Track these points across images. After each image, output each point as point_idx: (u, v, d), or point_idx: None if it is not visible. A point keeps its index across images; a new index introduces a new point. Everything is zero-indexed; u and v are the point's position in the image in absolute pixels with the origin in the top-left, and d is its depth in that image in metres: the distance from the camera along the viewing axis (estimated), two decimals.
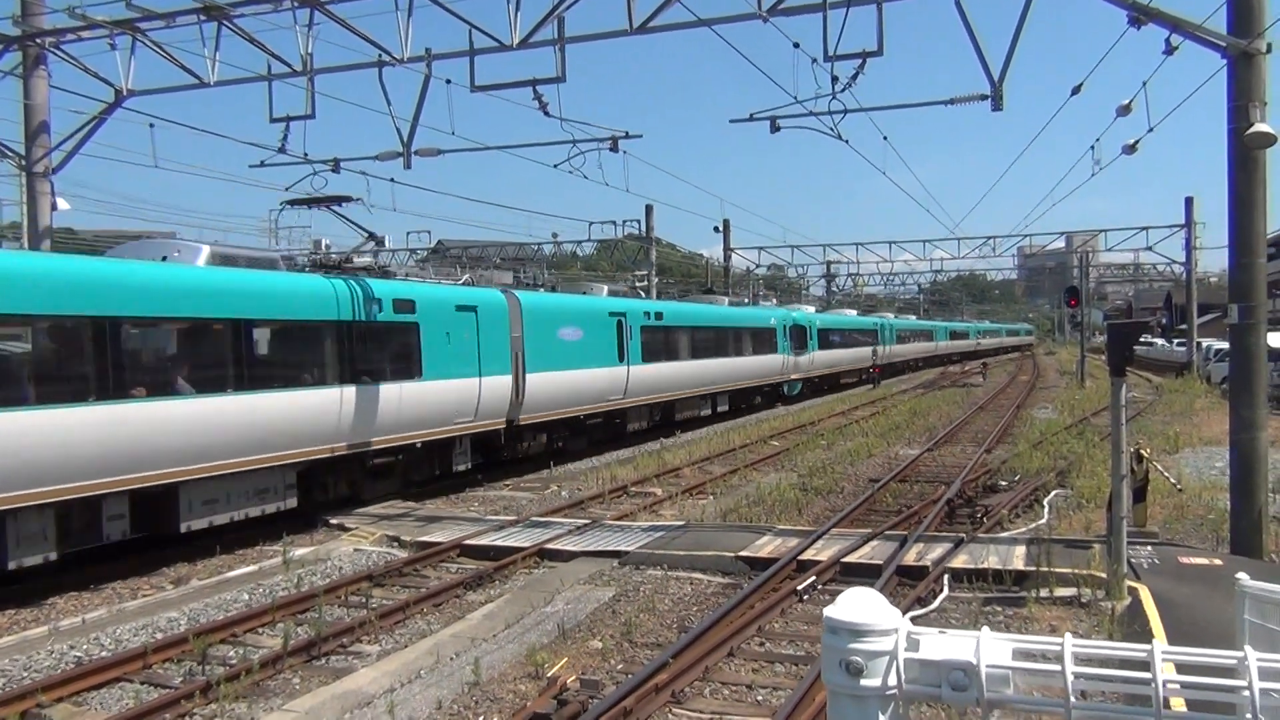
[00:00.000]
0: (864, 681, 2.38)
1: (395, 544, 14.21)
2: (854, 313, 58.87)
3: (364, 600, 11.36)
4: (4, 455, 10.69)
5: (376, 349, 16.40)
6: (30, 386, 11.17)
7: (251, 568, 12.89)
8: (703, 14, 14.12)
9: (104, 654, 9.53)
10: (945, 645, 2.40)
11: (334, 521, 15.44)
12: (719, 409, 32.41)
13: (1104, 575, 10.39)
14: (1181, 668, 2.32)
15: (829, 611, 2.44)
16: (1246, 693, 2.22)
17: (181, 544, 13.64)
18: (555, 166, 18.91)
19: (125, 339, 12.30)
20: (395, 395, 16.50)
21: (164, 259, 14.16)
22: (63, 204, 19.19)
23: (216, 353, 13.75)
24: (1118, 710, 2.41)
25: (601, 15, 15.76)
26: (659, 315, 27.31)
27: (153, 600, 11.52)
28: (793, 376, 40.09)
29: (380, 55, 15.67)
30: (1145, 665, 2.25)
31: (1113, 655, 2.40)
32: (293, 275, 15.80)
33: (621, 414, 25.62)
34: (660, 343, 27.01)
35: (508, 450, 20.81)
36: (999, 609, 10.30)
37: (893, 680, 2.39)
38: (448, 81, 16.18)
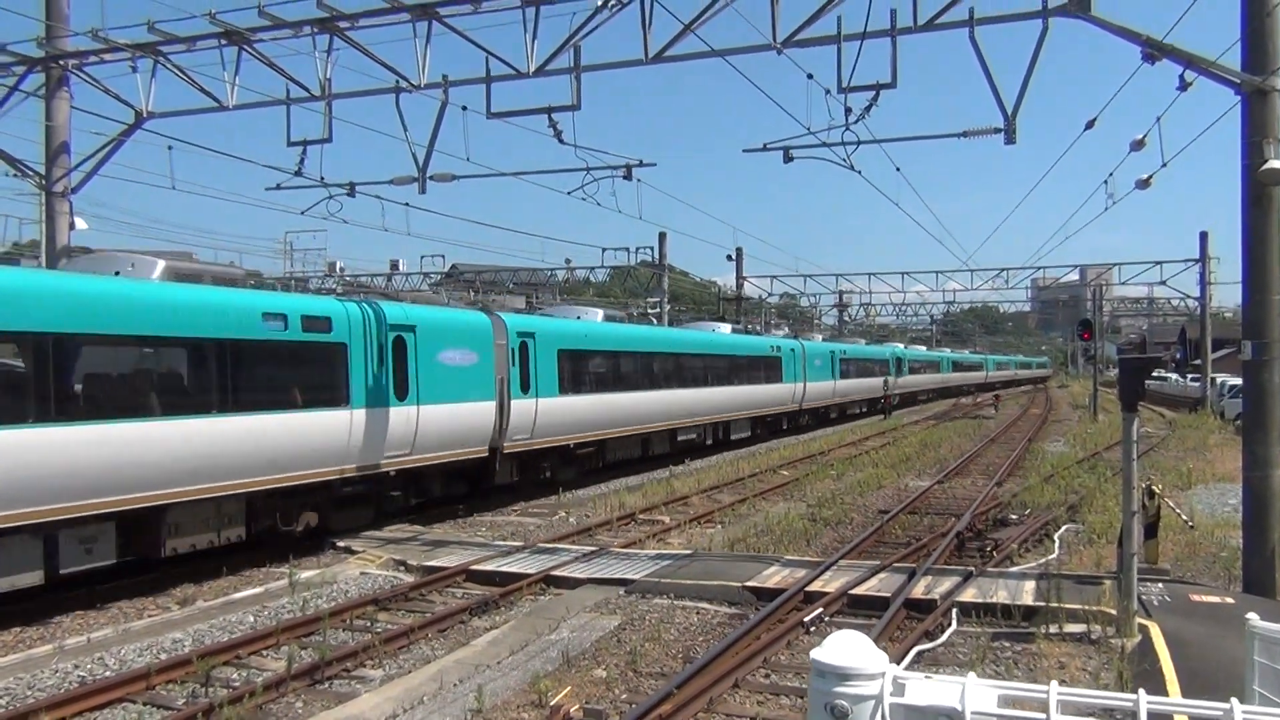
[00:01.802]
0: None
1: (402, 568, 14.18)
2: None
3: (369, 624, 11.34)
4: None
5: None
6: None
7: (257, 589, 12.88)
8: (717, 45, 14.23)
9: (108, 674, 9.52)
10: (931, 691, 2.38)
11: (341, 544, 15.43)
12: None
13: (1114, 612, 10.28)
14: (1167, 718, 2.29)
15: (815, 654, 2.44)
16: None
17: (172, 564, 13.53)
18: (569, 193, 19.03)
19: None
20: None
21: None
22: (81, 224, 19.38)
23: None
24: None
25: (617, 44, 16.02)
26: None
27: (158, 620, 11.51)
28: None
29: (398, 81, 15.84)
30: (1132, 715, 2.22)
31: (1098, 704, 2.39)
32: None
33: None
34: (588, 371, 23.02)
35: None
36: (1007, 644, 10.20)
37: None
38: (464, 108, 16.31)
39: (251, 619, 11.54)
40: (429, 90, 15.82)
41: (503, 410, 19.16)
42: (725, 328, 35.89)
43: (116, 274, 13.52)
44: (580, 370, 22.51)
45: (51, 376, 11.34)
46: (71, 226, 18.08)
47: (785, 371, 36.64)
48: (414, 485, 17.72)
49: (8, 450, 10.74)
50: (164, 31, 15.43)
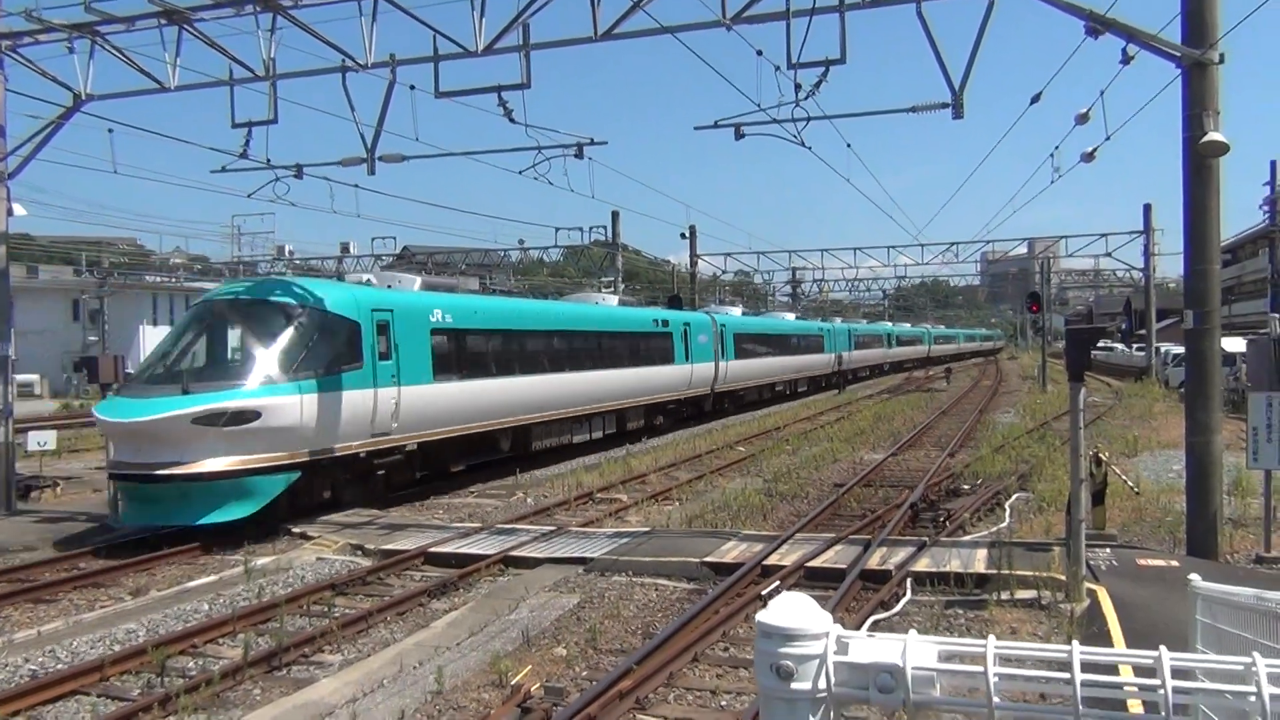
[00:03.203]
0: (794, 685, 2.42)
1: (359, 552, 14.09)
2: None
3: (326, 609, 11.27)
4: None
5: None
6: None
7: (212, 577, 12.74)
8: (667, 21, 14.19)
9: (60, 667, 9.36)
10: (873, 648, 2.45)
11: (296, 530, 15.28)
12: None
13: (1063, 577, 10.51)
14: (1102, 667, 2.37)
15: (761, 616, 2.48)
16: (1161, 691, 2.26)
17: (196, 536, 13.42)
18: (520, 173, 18.91)
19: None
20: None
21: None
22: (19, 209, 18.93)
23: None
24: (1039, 710, 2.46)
25: (566, 22, 15.79)
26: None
27: (110, 611, 11.34)
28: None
29: (344, 60, 15.59)
30: (1065, 666, 2.29)
31: (1034, 656, 2.46)
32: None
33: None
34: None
35: None
36: (960, 612, 10.39)
37: (822, 684, 2.43)
38: (412, 87, 16.14)
39: (207, 607, 11.41)
40: (376, 70, 15.60)
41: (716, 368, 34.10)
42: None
43: (388, 287, 19.16)
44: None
45: (448, 349, 19.15)
46: (9, 213, 17.62)
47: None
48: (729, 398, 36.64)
49: (451, 392, 18.92)
50: (101, 11, 15.01)
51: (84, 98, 17.17)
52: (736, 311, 42.17)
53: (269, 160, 17.74)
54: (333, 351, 15.96)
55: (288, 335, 15.52)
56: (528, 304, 27.95)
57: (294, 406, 15.07)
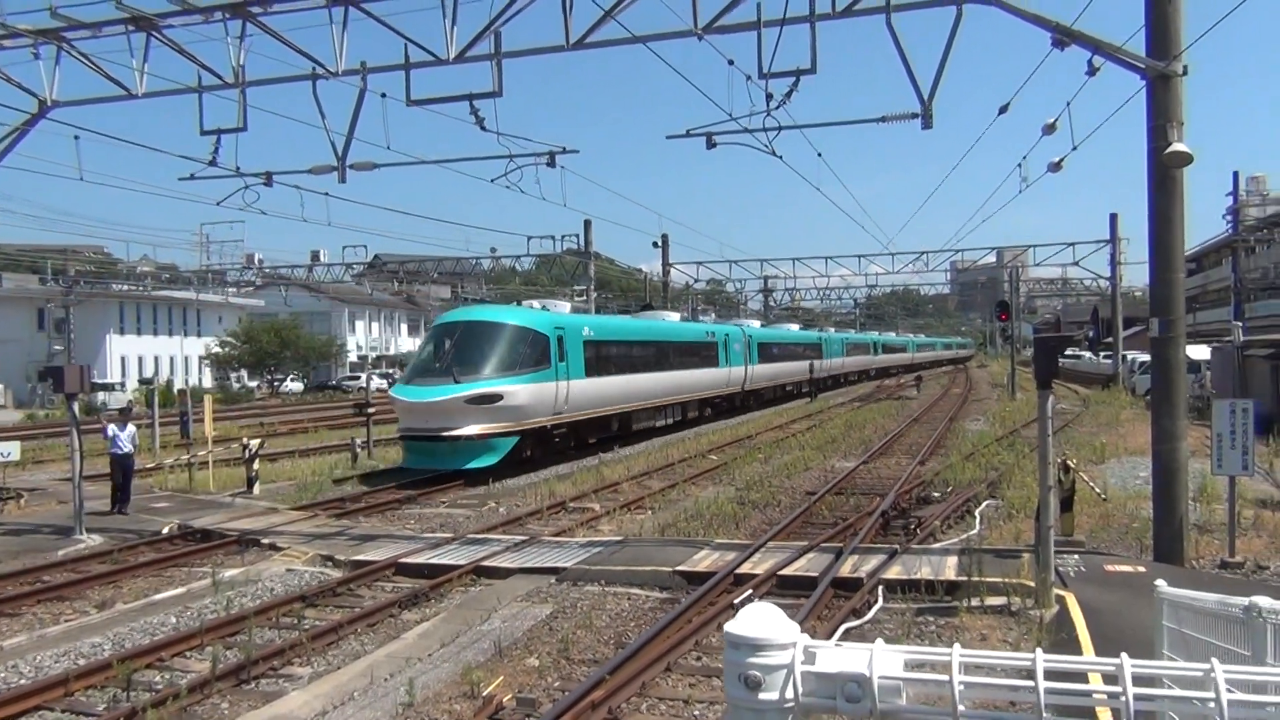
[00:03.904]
0: (762, 695, 2.43)
1: (329, 563, 13.98)
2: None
3: (296, 621, 11.15)
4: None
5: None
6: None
7: (179, 590, 12.59)
8: (639, 31, 14.20)
9: (23, 682, 9.22)
10: (840, 658, 2.46)
11: (265, 541, 15.14)
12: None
13: (1033, 584, 10.59)
14: (1066, 675, 2.42)
15: (729, 627, 2.51)
16: (1124, 698, 2.29)
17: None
18: (492, 181, 18.84)
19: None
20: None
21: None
22: None
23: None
24: (1004, 718, 2.49)
25: (538, 31, 15.77)
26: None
27: (75, 625, 11.18)
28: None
29: (314, 68, 15.48)
30: (1030, 674, 2.31)
31: (999, 664, 2.49)
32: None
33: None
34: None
35: None
36: (931, 619, 10.44)
37: (790, 693, 2.43)
38: (383, 95, 16.02)
39: (174, 620, 11.27)
40: (347, 77, 15.50)
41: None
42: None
43: (544, 307, 27.18)
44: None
45: (593, 356, 26.30)
46: None
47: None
48: (753, 396, 43.12)
49: (593, 387, 26.13)
50: (67, 17, 14.83)
51: (49, 104, 16.94)
52: (757, 324, 49.13)
53: (238, 168, 17.57)
54: (536, 356, 23.56)
55: (512, 345, 23.21)
56: (634, 321, 34.88)
57: (520, 392, 22.70)
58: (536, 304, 27.70)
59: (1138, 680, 2.31)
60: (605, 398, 27.33)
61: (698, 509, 17.18)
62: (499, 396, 21.92)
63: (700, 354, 35.87)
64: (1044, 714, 2.26)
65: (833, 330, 68.48)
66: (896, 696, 2.39)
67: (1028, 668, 2.33)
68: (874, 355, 77.30)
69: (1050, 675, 2.30)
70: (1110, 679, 2.34)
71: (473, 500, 19.59)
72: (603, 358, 27.24)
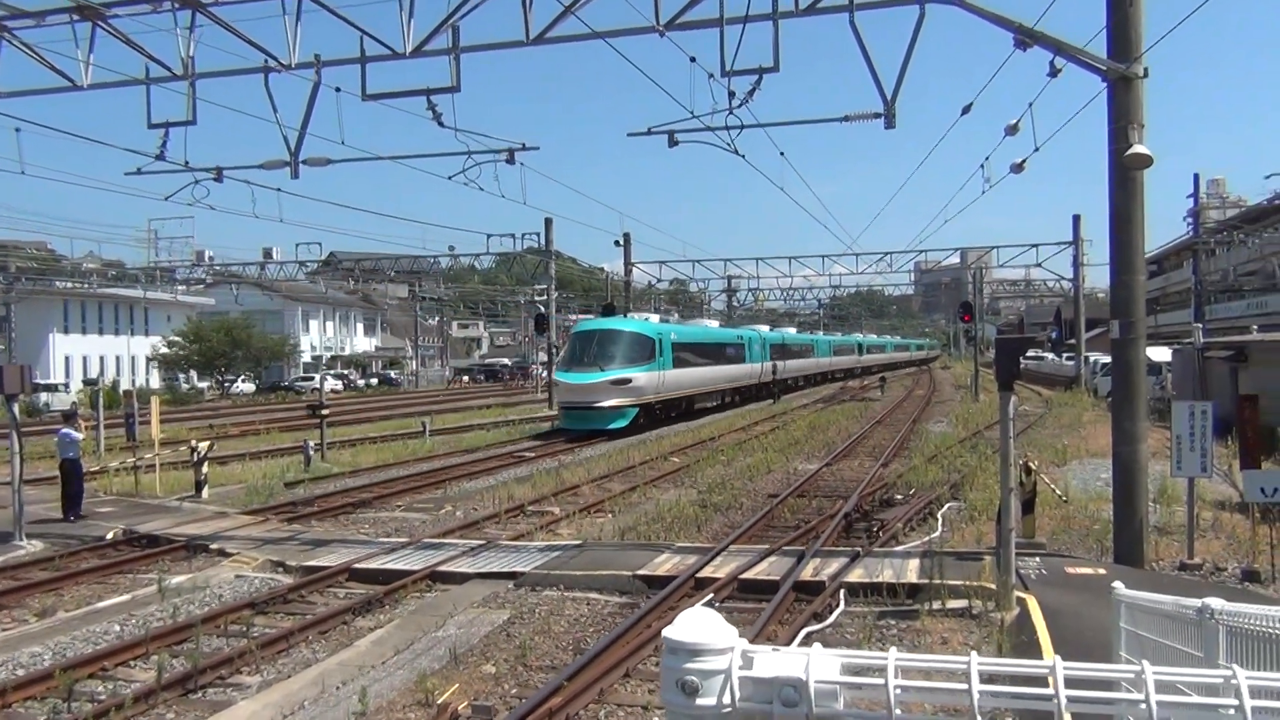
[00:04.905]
0: (700, 701, 2.42)
1: (280, 569, 13.64)
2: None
3: (245, 629, 10.85)
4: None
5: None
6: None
7: (124, 597, 12.21)
8: (600, 26, 14.01)
9: None
10: (777, 662, 2.46)
11: (214, 547, 14.77)
12: None
13: (994, 586, 10.51)
14: (1003, 678, 2.43)
15: (666, 632, 2.47)
16: (1055, 700, 2.34)
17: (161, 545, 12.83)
18: (450, 178, 18.58)
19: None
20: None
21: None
22: None
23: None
24: None
25: (498, 25, 15.54)
26: None
27: (14, 634, 10.80)
28: None
29: (266, 60, 15.12)
30: (965, 677, 2.33)
31: (937, 668, 2.48)
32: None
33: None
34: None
35: None
36: (893, 622, 10.34)
37: (727, 699, 2.43)
38: (337, 89, 15.72)
39: (118, 628, 10.93)
40: (300, 70, 15.17)
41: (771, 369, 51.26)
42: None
43: (645, 318, 39.13)
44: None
45: (676, 353, 36.50)
46: None
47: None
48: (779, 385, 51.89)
49: (677, 375, 36.69)
50: (10, 5, 14.40)
51: None
52: (766, 328, 58.94)
53: (187, 162, 17.17)
54: (647, 353, 33.74)
55: (632, 345, 33.49)
56: (698, 328, 44.92)
57: (641, 377, 32.90)
58: (638, 315, 40.13)
59: (1070, 683, 2.33)
60: (684, 384, 38.08)
61: (659, 512, 17.00)
62: (629, 380, 32.29)
63: (737, 352, 46.50)
64: (978, 717, 2.28)
65: (821, 334, 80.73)
66: (833, 701, 2.39)
67: (964, 670, 2.34)
68: (859, 356, 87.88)
69: (991, 679, 2.28)
70: (1040, 681, 2.36)
71: (428, 504, 19.28)
72: (680, 354, 37.10)
